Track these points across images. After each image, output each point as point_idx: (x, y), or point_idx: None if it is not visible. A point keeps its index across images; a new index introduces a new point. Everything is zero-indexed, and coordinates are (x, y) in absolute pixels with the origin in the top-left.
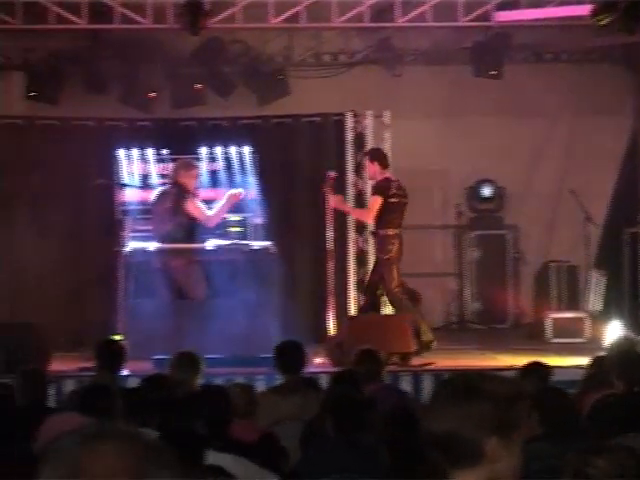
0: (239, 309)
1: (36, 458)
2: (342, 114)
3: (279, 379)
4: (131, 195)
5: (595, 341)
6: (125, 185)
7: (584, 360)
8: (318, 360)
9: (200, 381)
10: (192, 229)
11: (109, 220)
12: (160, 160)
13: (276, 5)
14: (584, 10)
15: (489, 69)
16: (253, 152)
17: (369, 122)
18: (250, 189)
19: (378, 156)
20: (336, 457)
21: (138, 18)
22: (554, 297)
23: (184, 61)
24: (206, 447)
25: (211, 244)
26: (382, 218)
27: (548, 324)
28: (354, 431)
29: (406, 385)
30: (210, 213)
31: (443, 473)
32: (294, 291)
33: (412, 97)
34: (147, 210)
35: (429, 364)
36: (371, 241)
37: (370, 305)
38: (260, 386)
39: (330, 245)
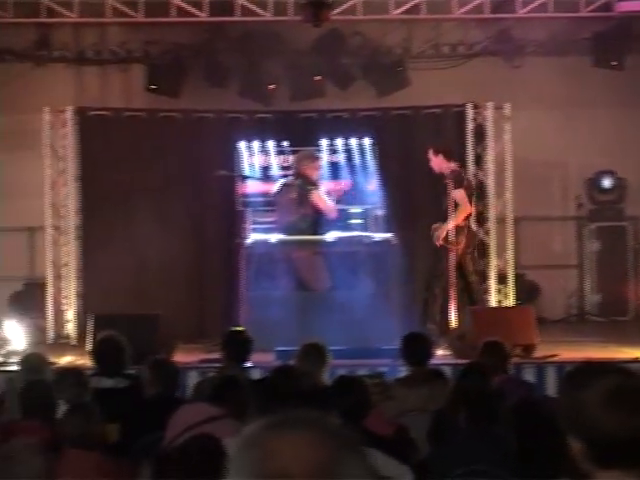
0: (361, 301)
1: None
2: (462, 105)
3: (402, 371)
4: (252, 187)
5: None
6: (246, 177)
7: None
8: (439, 352)
9: (326, 373)
10: (316, 220)
11: (230, 212)
12: (280, 152)
13: None
14: None
15: (610, 60)
16: (373, 144)
17: (489, 113)
18: (371, 181)
19: (443, 149)
20: (468, 449)
21: (259, 10)
22: None
23: (304, 53)
24: None
25: (332, 236)
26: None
27: None
28: (486, 423)
29: (529, 376)
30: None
31: (584, 472)
32: (415, 283)
33: (531, 88)
34: (268, 202)
35: (552, 356)
36: (493, 232)
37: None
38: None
39: (451, 237)
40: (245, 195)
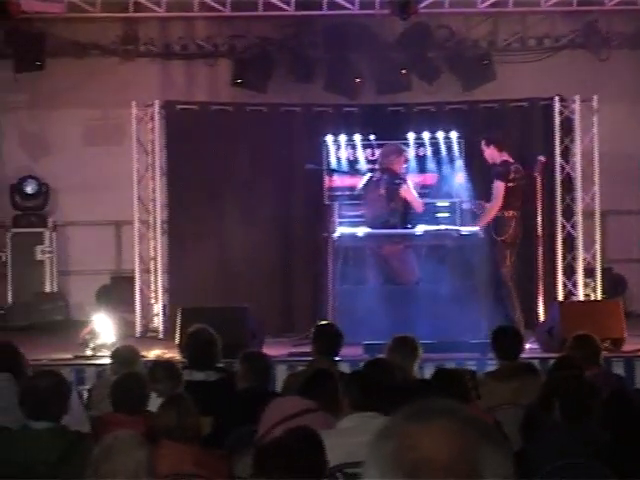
0: (448, 294)
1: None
2: (549, 99)
3: (490, 364)
4: (339, 180)
5: None
6: (334, 171)
7: None
8: (527, 345)
9: (417, 366)
10: (405, 214)
11: (317, 206)
12: (367, 146)
13: None
14: None
15: None
16: (460, 137)
17: (576, 107)
18: (457, 174)
19: (494, 140)
20: (562, 443)
21: (346, 4)
22: None
23: (389, 47)
24: None
25: (420, 229)
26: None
27: None
28: (581, 416)
29: (618, 370)
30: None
31: None
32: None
33: (618, 81)
34: (355, 196)
35: None
36: (580, 226)
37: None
38: None
39: (539, 230)
40: (332, 189)
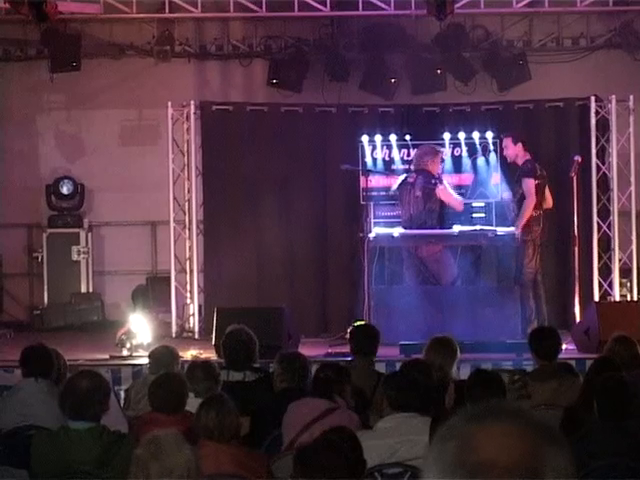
0: (484, 294)
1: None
2: (585, 99)
3: (527, 365)
4: (375, 181)
5: None
6: (369, 171)
7: None
8: (564, 346)
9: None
10: (442, 214)
11: (353, 206)
12: (403, 146)
13: None
14: None
15: None
16: (495, 137)
17: (612, 107)
18: (493, 175)
19: (522, 138)
20: (603, 442)
21: (381, 4)
22: None
23: (425, 47)
24: None
25: (456, 229)
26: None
27: None
28: (621, 416)
29: None
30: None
31: None
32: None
33: None
34: (391, 196)
35: None
36: (616, 226)
37: None
38: None
39: (575, 230)
40: (368, 189)
